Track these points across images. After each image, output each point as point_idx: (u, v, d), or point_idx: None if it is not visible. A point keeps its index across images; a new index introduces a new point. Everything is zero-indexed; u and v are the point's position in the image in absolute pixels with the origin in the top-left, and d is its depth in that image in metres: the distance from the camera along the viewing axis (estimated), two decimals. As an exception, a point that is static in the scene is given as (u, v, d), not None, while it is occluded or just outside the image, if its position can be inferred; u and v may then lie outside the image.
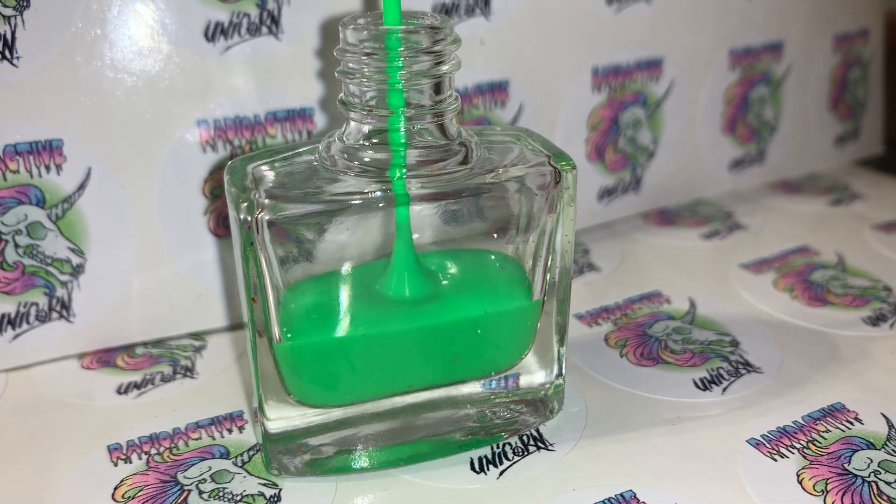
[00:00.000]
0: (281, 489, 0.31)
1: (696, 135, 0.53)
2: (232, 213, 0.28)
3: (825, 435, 0.33)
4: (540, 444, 0.33)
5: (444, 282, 0.32)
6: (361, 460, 0.32)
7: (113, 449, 0.33)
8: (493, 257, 0.32)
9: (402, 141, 0.29)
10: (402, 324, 0.30)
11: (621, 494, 0.30)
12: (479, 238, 0.32)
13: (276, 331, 0.29)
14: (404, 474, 0.32)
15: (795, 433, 0.33)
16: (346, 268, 0.31)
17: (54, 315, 0.38)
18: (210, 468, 0.32)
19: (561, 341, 0.33)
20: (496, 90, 0.45)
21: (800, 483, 0.31)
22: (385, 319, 0.30)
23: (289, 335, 0.29)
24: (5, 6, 0.34)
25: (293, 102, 0.40)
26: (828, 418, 0.34)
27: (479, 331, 0.31)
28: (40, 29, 0.35)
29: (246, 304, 0.29)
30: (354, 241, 0.30)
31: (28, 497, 0.31)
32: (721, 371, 0.37)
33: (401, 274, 0.31)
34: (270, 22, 0.38)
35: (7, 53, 0.35)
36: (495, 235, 0.32)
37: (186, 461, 0.32)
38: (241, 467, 0.32)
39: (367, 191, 0.28)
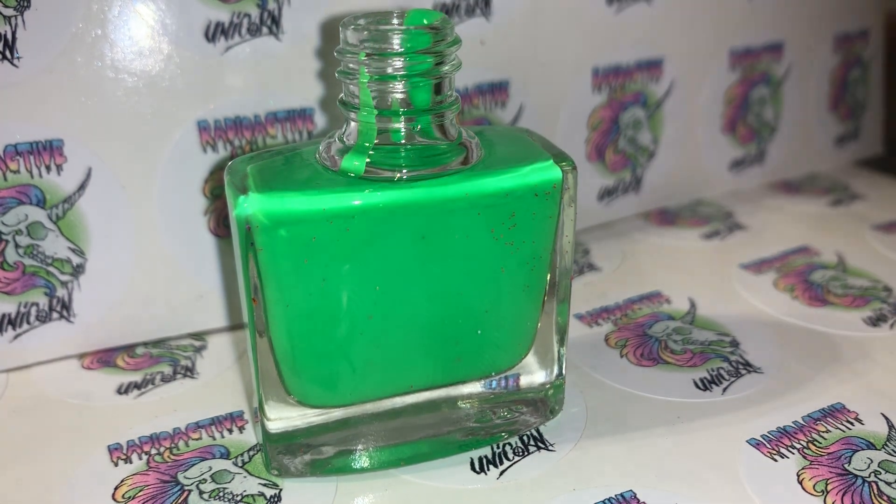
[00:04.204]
0: (281, 489, 0.31)
1: (696, 135, 0.53)
2: (232, 213, 0.28)
3: (825, 435, 0.33)
4: (540, 445, 0.33)
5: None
6: (362, 460, 0.32)
7: (113, 449, 0.33)
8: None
9: (402, 142, 0.29)
10: (390, 199, 0.28)
11: (621, 494, 0.30)
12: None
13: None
14: (405, 474, 0.32)
15: (795, 433, 0.33)
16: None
17: (55, 315, 0.38)
18: (210, 468, 0.32)
19: (561, 341, 0.33)
20: (496, 90, 0.45)
21: (800, 483, 0.31)
22: (371, 195, 0.28)
23: (246, 203, 0.27)
24: (6, 6, 0.34)
25: (293, 103, 0.40)
26: (828, 418, 0.34)
27: (486, 311, 0.30)
28: (41, 29, 0.35)
29: (246, 304, 0.29)
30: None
31: (28, 497, 0.31)
32: (721, 371, 0.37)
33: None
34: (271, 22, 0.38)
35: (8, 54, 0.35)
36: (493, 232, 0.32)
37: (187, 461, 0.32)
38: (241, 467, 0.32)
39: (366, 191, 0.28)
